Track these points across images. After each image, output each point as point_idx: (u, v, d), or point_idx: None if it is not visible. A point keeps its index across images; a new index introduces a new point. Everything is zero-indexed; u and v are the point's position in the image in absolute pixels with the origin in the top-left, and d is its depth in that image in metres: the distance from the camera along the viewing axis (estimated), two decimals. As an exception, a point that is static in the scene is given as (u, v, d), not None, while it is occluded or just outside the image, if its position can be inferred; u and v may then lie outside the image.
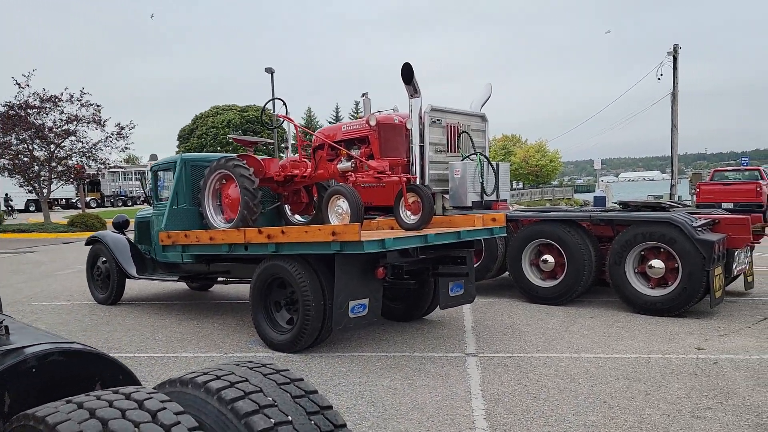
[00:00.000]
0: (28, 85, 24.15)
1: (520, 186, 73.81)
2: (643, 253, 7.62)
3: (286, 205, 8.37)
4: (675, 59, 30.62)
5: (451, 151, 10.37)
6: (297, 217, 8.40)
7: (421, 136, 9.72)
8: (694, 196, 26.54)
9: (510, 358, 5.77)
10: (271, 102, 7.55)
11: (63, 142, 25.11)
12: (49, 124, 24.71)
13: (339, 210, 6.42)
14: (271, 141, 7.99)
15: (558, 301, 8.19)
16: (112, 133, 25.94)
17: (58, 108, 24.74)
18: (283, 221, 8.47)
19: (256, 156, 7.50)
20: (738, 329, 6.68)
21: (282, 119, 7.38)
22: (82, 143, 25.66)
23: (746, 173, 23.67)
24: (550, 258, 8.37)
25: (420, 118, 9.70)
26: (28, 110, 24.09)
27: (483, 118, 11.06)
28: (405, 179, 6.96)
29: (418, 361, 5.75)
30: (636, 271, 7.65)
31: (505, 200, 10.48)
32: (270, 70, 35.10)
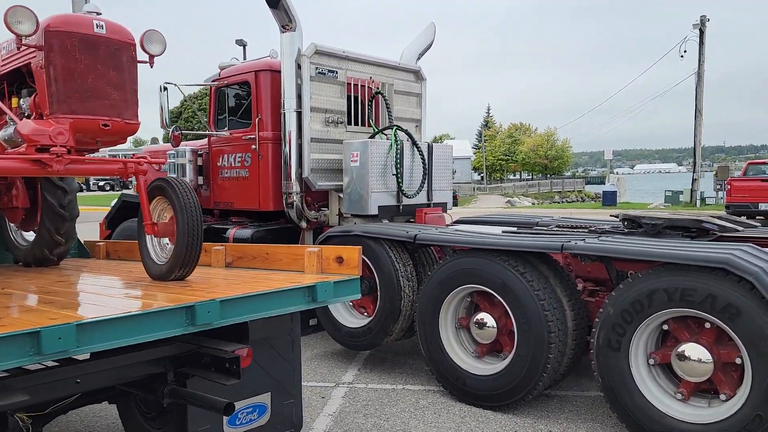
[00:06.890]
0: None
1: (529, 177, 70.27)
2: (665, 327, 3.73)
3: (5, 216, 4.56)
4: (701, 33, 26.32)
5: (357, 124, 6.52)
6: (24, 234, 4.57)
7: (299, 96, 5.87)
8: (723, 192, 22.49)
9: None
10: None
11: None
12: None
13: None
14: None
15: (505, 401, 4.34)
16: None
17: None
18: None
19: None
20: None
21: None
22: None
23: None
24: (488, 318, 4.49)
25: (297, 65, 5.85)
26: None
27: (417, 75, 7.15)
28: (137, 166, 3.13)
29: None
30: (652, 363, 3.76)
31: (443, 204, 6.60)
32: (241, 42, 31.24)
